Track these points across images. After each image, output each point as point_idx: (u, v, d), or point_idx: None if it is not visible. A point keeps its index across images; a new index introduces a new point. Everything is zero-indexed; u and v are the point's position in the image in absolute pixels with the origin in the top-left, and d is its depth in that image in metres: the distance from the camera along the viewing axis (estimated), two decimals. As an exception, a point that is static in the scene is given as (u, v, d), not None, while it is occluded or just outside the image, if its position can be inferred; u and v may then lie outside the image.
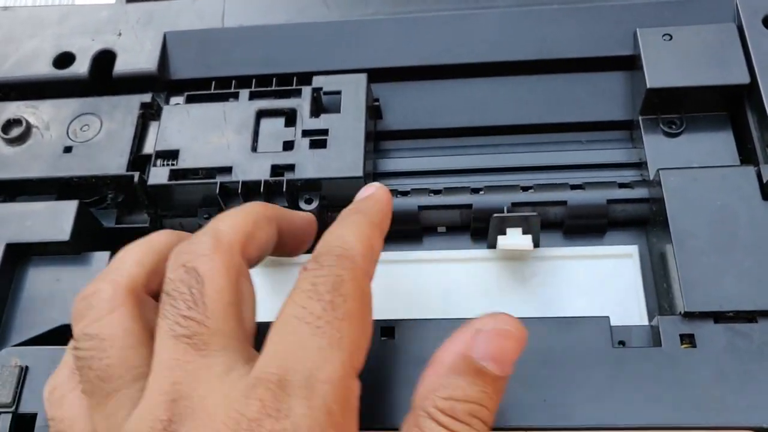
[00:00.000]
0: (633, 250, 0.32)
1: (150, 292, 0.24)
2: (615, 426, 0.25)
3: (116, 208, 0.34)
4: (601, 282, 0.31)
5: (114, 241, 0.32)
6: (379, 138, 0.35)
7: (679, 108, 0.32)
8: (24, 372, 0.28)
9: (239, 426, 0.19)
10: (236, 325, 0.22)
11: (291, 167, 0.32)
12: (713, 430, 0.25)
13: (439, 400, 0.22)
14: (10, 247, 0.31)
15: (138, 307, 0.23)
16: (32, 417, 0.28)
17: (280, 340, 0.21)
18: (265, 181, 0.31)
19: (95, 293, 0.23)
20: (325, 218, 0.32)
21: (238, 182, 0.31)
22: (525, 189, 0.32)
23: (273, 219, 0.26)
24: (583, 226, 0.32)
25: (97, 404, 0.22)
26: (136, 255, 0.24)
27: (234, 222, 0.24)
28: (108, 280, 0.23)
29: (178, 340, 0.21)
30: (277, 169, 0.32)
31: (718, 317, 0.27)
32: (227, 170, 0.32)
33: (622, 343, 0.28)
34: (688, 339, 0.27)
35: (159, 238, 0.25)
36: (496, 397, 0.23)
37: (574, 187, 0.32)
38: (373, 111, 0.34)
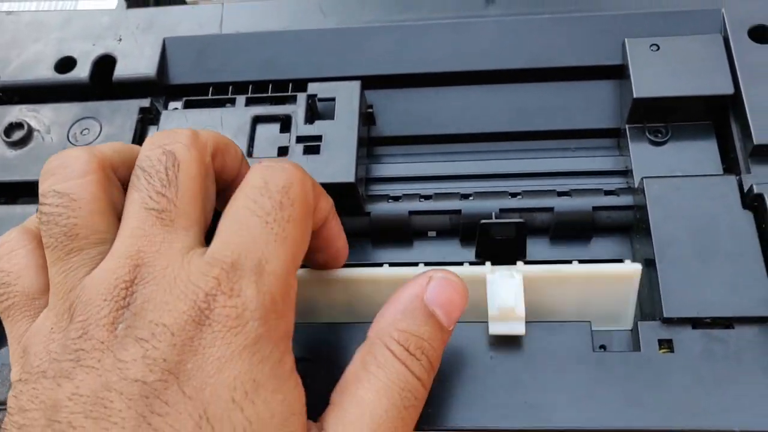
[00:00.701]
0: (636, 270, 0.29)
1: (119, 179, 0.25)
2: (593, 428, 0.26)
3: (115, 210, 0.35)
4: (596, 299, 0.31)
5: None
6: (372, 143, 0.36)
7: (664, 117, 0.33)
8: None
9: (197, 298, 0.21)
10: (200, 214, 0.24)
11: (285, 172, 0.32)
12: (688, 434, 0.26)
13: (394, 331, 0.24)
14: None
15: (108, 181, 0.24)
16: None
17: (233, 228, 0.23)
18: (260, 186, 0.32)
19: (70, 156, 0.24)
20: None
21: (233, 186, 0.32)
22: (513, 195, 0.33)
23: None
24: (570, 232, 0.33)
25: (57, 259, 0.23)
26: (115, 145, 0.26)
27: (212, 133, 0.26)
28: (86, 149, 0.24)
29: (148, 213, 0.23)
30: (271, 174, 0.32)
31: (696, 323, 0.28)
32: (223, 174, 0.33)
33: (603, 347, 0.29)
34: (666, 344, 0.28)
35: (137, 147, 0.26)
36: (440, 347, 0.25)
37: (560, 194, 0.33)
38: (367, 117, 0.35)
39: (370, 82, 0.35)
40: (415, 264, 0.31)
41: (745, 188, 0.29)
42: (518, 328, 0.27)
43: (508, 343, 0.28)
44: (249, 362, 0.21)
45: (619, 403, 0.26)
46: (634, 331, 0.28)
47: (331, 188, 0.32)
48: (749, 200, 0.29)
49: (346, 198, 0.32)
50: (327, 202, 0.27)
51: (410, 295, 0.25)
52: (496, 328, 0.28)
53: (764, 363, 0.27)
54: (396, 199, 0.34)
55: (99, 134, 0.35)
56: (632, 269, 0.29)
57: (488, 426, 0.26)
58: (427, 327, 0.25)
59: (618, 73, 0.34)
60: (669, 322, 0.28)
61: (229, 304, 0.21)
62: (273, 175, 0.24)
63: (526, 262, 0.29)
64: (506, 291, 0.28)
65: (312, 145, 0.33)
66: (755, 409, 0.26)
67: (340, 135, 0.33)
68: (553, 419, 0.26)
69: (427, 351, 0.25)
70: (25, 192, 0.35)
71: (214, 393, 0.21)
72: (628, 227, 0.33)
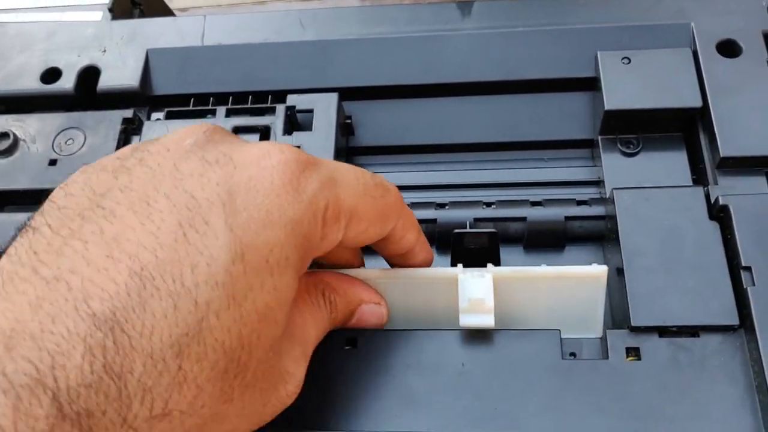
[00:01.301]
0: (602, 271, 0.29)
1: None
2: (558, 435, 0.27)
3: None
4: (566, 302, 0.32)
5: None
6: (350, 153, 0.37)
7: (636, 128, 0.33)
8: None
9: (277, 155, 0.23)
10: None
11: (263, 182, 0.33)
12: (652, 439, 0.26)
13: None
14: None
15: None
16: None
17: None
18: (239, 196, 0.33)
19: None
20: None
21: (212, 196, 0.33)
22: (488, 205, 0.34)
23: None
24: (543, 241, 0.33)
25: None
26: None
27: None
28: None
29: None
30: (250, 184, 0.33)
31: (663, 332, 0.28)
32: (203, 184, 0.33)
33: (573, 354, 0.30)
34: (633, 352, 0.28)
35: None
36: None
37: (534, 203, 0.33)
38: (345, 128, 0.36)
39: (348, 94, 0.36)
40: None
41: (712, 199, 0.30)
42: (487, 321, 0.28)
43: (479, 349, 0.29)
44: (292, 236, 0.22)
45: (587, 410, 0.27)
46: (603, 339, 0.29)
47: (308, 198, 0.32)
48: (715, 211, 0.30)
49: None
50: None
51: None
52: (467, 320, 0.28)
53: (728, 370, 0.27)
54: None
55: (83, 144, 0.36)
56: (599, 270, 0.29)
57: (455, 432, 0.27)
58: None
59: (591, 85, 0.35)
60: (636, 330, 0.28)
61: (302, 184, 0.23)
62: None
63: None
64: (476, 286, 0.28)
65: (290, 156, 0.33)
66: (719, 417, 0.26)
67: (318, 145, 0.33)
68: (522, 426, 0.27)
69: None
70: (10, 200, 0.35)
71: (252, 241, 0.21)
72: (600, 237, 0.33)
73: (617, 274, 0.31)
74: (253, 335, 0.22)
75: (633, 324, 0.28)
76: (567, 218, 0.33)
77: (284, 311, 0.23)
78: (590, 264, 0.33)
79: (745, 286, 0.28)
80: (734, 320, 0.28)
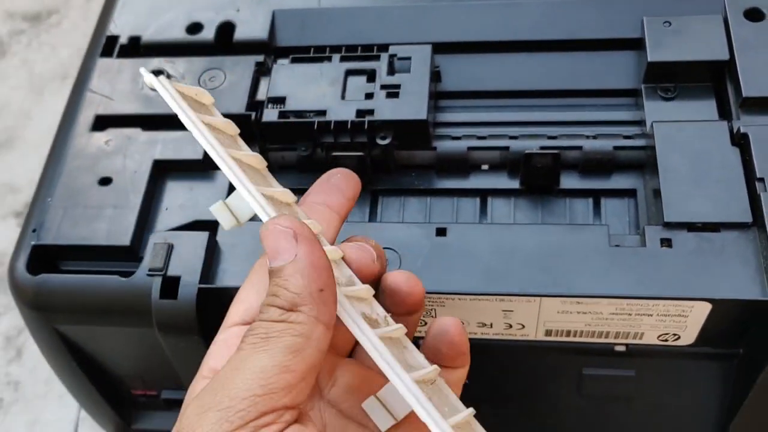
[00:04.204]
0: None
1: None
2: (605, 295, 0.34)
3: (233, 142, 0.44)
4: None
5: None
6: (438, 97, 0.45)
7: (673, 78, 0.41)
8: (170, 248, 0.38)
9: None
10: None
11: (371, 111, 0.41)
12: (681, 300, 0.34)
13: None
14: (157, 163, 0.42)
15: None
16: (176, 279, 0.38)
17: None
18: (351, 121, 0.41)
19: None
20: (393, 155, 0.42)
21: (330, 122, 0.41)
22: (551, 138, 0.42)
23: None
24: (595, 167, 0.41)
25: None
26: None
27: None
28: None
29: None
30: (360, 113, 0.41)
31: (691, 227, 0.36)
32: (322, 113, 0.42)
33: (617, 245, 0.37)
34: (666, 242, 0.36)
35: None
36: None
37: (588, 137, 0.41)
38: (435, 75, 0.44)
39: (438, 48, 0.44)
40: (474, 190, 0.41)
41: (734, 130, 0.38)
42: None
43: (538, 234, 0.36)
44: None
45: (628, 279, 0.35)
46: (642, 233, 0.37)
47: (407, 125, 0.41)
48: (737, 138, 0.38)
49: (418, 134, 0.41)
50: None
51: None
52: None
53: (742, 256, 0.35)
54: (457, 138, 0.43)
55: (224, 81, 0.44)
56: None
57: (524, 292, 0.35)
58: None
59: (638, 45, 0.43)
60: (669, 226, 0.36)
61: None
62: None
63: (559, 191, 0.38)
64: None
65: (392, 91, 0.42)
66: (731, 285, 0.34)
67: (415, 84, 0.42)
68: (575, 288, 0.35)
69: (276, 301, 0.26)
70: (164, 124, 0.44)
71: None
72: (641, 165, 0.41)
73: (654, 196, 0.39)
74: None
75: (666, 220, 0.36)
76: (615, 148, 0.41)
77: None
78: (633, 188, 0.41)
79: (758, 193, 0.36)
80: (748, 218, 0.35)
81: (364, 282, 0.30)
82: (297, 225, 0.27)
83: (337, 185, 0.32)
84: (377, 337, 0.26)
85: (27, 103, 0.88)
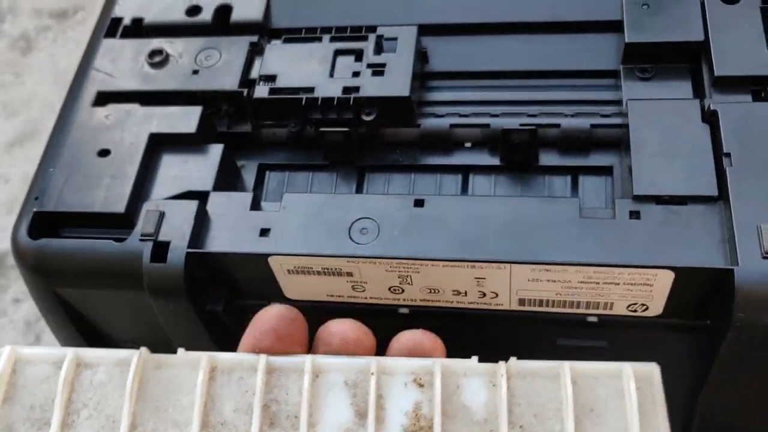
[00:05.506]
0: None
1: None
2: (572, 262, 0.36)
3: (228, 118, 0.46)
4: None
5: (225, 142, 0.44)
6: (426, 78, 0.46)
7: (650, 59, 0.42)
8: (162, 215, 0.40)
9: None
10: None
11: (357, 89, 0.43)
12: (645, 268, 0.35)
13: None
14: (153, 137, 0.44)
15: None
16: (166, 244, 0.39)
17: None
18: (338, 98, 0.43)
19: None
20: (380, 131, 0.43)
21: (317, 98, 0.43)
22: (531, 116, 0.43)
23: None
24: (574, 144, 0.42)
25: None
26: None
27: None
28: None
29: None
30: (346, 90, 0.43)
31: (659, 200, 0.37)
32: (311, 90, 0.44)
33: (589, 218, 0.38)
34: (635, 214, 0.37)
35: None
36: None
37: (567, 115, 0.43)
38: (422, 55, 0.46)
39: (426, 30, 0.46)
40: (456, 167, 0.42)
41: (705, 107, 0.39)
42: None
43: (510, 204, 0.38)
44: None
45: (596, 247, 0.36)
46: (612, 206, 0.38)
47: (391, 101, 0.42)
48: (707, 116, 0.39)
49: (402, 111, 0.43)
50: None
51: None
52: None
53: (707, 228, 0.36)
54: (440, 116, 0.44)
55: (219, 60, 0.46)
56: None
57: (494, 258, 0.36)
58: None
59: (619, 27, 0.44)
60: (638, 198, 0.37)
61: None
62: None
63: (537, 168, 0.40)
64: None
65: (378, 70, 0.43)
66: (694, 255, 0.35)
67: (400, 63, 0.43)
68: (545, 256, 0.36)
69: None
70: (162, 100, 0.46)
71: None
72: (618, 143, 0.42)
73: (628, 172, 0.40)
74: None
75: (635, 193, 0.37)
76: (592, 126, 0.42)
77: None
78: (609, 165, 0.42)
79: (724, 167, 0.37)
80: (714, 192, 0.37)
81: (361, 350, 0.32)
82: None
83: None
84: None
85: (52, 97, 0.91)
